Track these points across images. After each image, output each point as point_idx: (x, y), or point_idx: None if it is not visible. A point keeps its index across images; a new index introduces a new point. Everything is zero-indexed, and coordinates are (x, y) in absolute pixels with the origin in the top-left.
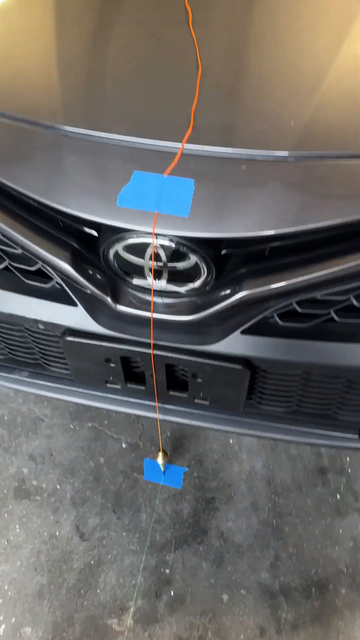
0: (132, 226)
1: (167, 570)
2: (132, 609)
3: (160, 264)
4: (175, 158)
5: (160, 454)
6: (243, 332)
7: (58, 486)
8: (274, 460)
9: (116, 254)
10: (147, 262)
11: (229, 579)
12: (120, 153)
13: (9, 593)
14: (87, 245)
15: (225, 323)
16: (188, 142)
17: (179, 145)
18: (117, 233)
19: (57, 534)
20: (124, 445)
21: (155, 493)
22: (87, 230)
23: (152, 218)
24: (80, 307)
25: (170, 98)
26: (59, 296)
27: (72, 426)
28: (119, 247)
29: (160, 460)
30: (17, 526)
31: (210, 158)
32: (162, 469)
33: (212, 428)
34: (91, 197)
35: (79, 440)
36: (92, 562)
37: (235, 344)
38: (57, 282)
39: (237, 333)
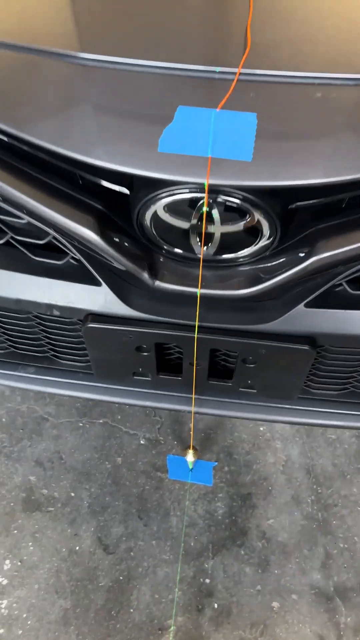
0: (178, 177)
1: (207, 580)
2: (172, 627)
3: (212, 226)
4: (231, 87)
5: (191, 451)
6: (308, 305)
7: (72, 493)
8: (311, 447)
9: (154, 216)
10: (196, 225)
11: (278, 584)
12: (158, 84)
13: (29, 622)
14: (116, 207)
15: (286, 296)
16: (245, 66)
17: (234, 70)
18: (157, 189)
19: (77, 548)
20: (142, 442)
21: (184, 493)
22: (116, 188)
23: (205, 165)
24: (105, 287)
25: (217, 12)
26: (77, 275)
27: (81, 424)
28: (158, 208)
29: (190, 457)
30: (30, 543)
31: (275, 85)
32: (191, 466)
33: (257, 419)
34: (122, 142)
35: (91, 439)
36: (121, 577)
37: (299, 320)
38: (73, 258)
39: (300, 307)
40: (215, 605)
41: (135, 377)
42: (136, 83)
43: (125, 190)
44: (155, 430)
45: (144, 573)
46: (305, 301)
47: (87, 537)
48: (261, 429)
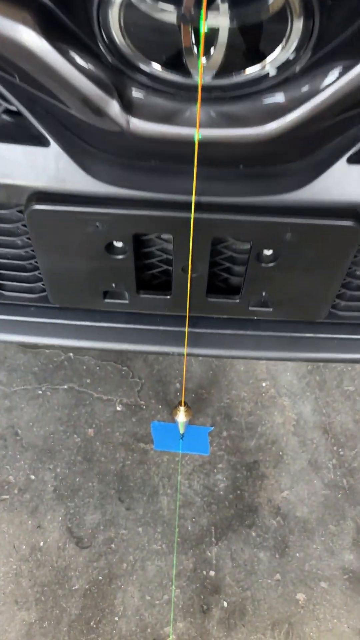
0: None
1: (212, 572)
2: (170, 637)
3: (214, 18)
4: None
5: (182, 408)
6: (352, 161)
7: (32, 476)
8: (326, 402)
9: (124, 8)
10: (189, 14)
11: (301, 571)
12: None
13: None
14: (65, 3)
15: (320, 147)
16: None
17: None
18: None
19: (42, 544)
20: (118, 408)
21: (175, 466)
22: None
23: None
24: (55, 148)
25: None
26: (13, 134)
27: (40, 391)
28: None
29: (181, 417)
30: None
31: None
32: (182, 431)
33: (273, 357)
34: None
35: (54, 409)
36: (101, 577)
37: (339, 183)
38: (7, 111)
39: (341, 163)
40: (225, 604)
41: (107, 301)
42: None
43: None
44: (134, 393)
45: (130, 569)
46: (350, 153)
47: (54, 528)
48: (264, 384)
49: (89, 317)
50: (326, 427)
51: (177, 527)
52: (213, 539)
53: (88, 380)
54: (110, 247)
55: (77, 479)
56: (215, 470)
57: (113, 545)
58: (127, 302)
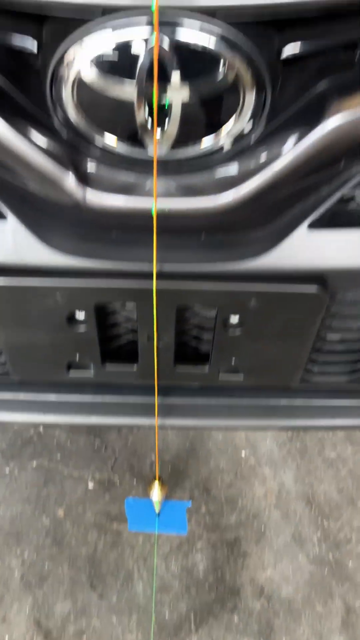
0: (110, 1)
1: None
2: None
3: (168, 90)
4: None
5: (156, 484)
6: (313, 226)
7: None
8: (309, 470)
9: (78, 83)
10: (143, 88)
11: None
12: None
13: None
14: (17, 81)
15: (281, 214)
16: None
17: None
18: (77, 31)
19: (7, 638)
20: (90, 486)
21: (151, 548)
22: (17, 40)
23: None
24: (12, 220)
25: None
26: None
27: (7, 470)
28: (82, 66)
29: (155, 495)
30: None
31: None
32: (157, 508)
33: (246, 426)
34: None
35: (22, 488)
36: None
37: (301, 249)
38: None
39: (302, 229)
40: None
41: (71, 374)
42: None
43: (31, 45)
44: (107, 468)
45: None
46: (309, 220)
47: (20, 621)
48: (243, 453)
49: (54, 391)
50: (309, 498)
51: (154, 615)
52: (193, 627)
53: (58, 456)
54: (72, 319)
55: (46, 565)
56: (194, 550)
57: (84, 638)
58: (92, 374)
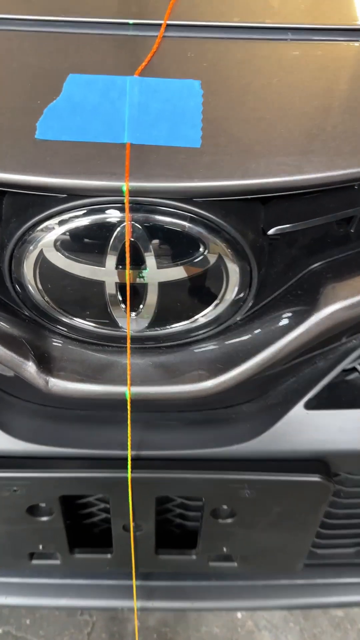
0: (73, 180)
1: None
2: None
3: (142, 274)
4: (155, 44)
5: None
6: (309, 406)
7: None
8: (313, 634)
9: (40, 262)
10: (111, 274)
11: None
12: (38, 47)
13: None
14: None
15: (273, 393)
16: (173, 17)
17: (157, 22)
18: (42, 209)
19: None
20: None
21: None
22: None
23: (119, 160)
24: None
25: None
26: None
27: None
28: (44, 246)
29: None
30: None
31: (222, 42)
32: None
33: (241, 607)
34: None
35: None
36: None
37: (299, 430)
38: None
39: (299, 409)
40: None
41: (34, 562)
42: (4, 47)
43: None
44: (83, 636)
45: None
46: (305, 399)
47: None
48: (239, 616)
49: (17, 574)
50: None
51: None
52: None
53: (28, 621)
54: (34, 509)
55: None
56: None
57: None
58: (58, 562)
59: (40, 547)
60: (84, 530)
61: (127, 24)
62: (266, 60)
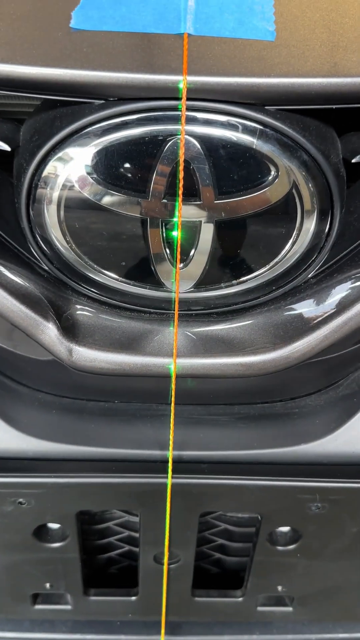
0: (119, 77)
1: None
2: None
3: (194, 206)
4: None
5: None
6: None
7: None
8: None
9: (65, 194)
10: (155, 207)
11: None
12: None
13: None
14: None
15: (343, 383)
16: None
17: None
18: (70, 120)
19: None
20: None
21: None
22: None
23: (175, 53)
24: None
25: None
26: None
27: None
28: (70, 171)
29: None
30: None
31: None
32: None
33: None
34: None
35: None
36: None
37: None
38: None
39: None
40: None
41: (37, 607)
42: None
43: (2, 145)
44: None
45: None
46: None
47: None
48: None
49: (13, 627)
50: None
51: None
52: None
53: None
54: (42, 532)
55: None
56: None
57: None
58: (69, 607)
59: (48, 585)
60: (99, 568)
61: None
62: None
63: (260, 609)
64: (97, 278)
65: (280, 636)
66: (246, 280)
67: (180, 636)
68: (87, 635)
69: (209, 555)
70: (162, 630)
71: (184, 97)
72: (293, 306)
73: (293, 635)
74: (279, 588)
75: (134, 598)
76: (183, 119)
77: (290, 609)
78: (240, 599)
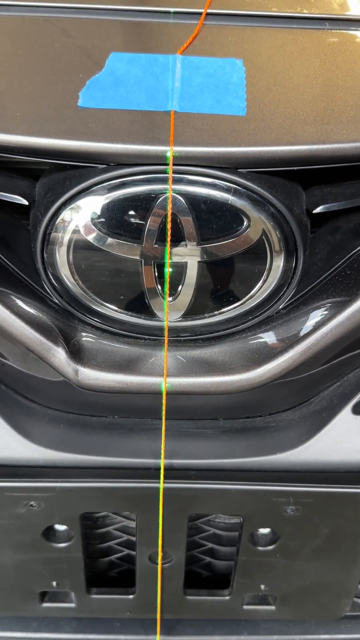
0: (119, 148)
1: None
2: None
3: (180, 251)
4: (196, 28)
5: None
6: (358, 411)
7: None
8: None
9: (74, 240)
10: (149, 250)
11: None
12: (80, 31)
13: None
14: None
15: (314, 400)
16: (214, 5)
17: (197, 11)
18: (78, 181)
19: None
20: None
21: None
22: (6, 197)
23: (163, 128)
24: None
25: None
26: None
27: None
28: (78, 222)
29: None
30: None
31: (261, 29)
32: None
33: None
34: (17, 104)
35: None
36: None
37: (348, 437)
38: None
39: (346, 413)
40: None
41: (45, 605)
42: (49, 30)
43: (21, 199)
44: None
45: None
46: (352, 403)
47: None
48: None
49: (20, 627)
50: None
51: None
52: None
53: None
54: (50, 533)
55: None
56: None
57: None
58: (73, 605)
59: (54, 583)
60: (101, 570)
61: (168, 12)
62: (306, 45)
63: (245, 607)
64: (99, 309)
65: (266, 637)
66: (226, 311)
67: (174, 636)
68: (88, 635)
69: (200, 559)
70: (158, 628)
71: (171, 163)
72: (266, 333)
73: (278, 636)
74: (262, 587)
75: (131, 596)
76: (170, 181)
77: (273, 607)
78: (228, 597)
